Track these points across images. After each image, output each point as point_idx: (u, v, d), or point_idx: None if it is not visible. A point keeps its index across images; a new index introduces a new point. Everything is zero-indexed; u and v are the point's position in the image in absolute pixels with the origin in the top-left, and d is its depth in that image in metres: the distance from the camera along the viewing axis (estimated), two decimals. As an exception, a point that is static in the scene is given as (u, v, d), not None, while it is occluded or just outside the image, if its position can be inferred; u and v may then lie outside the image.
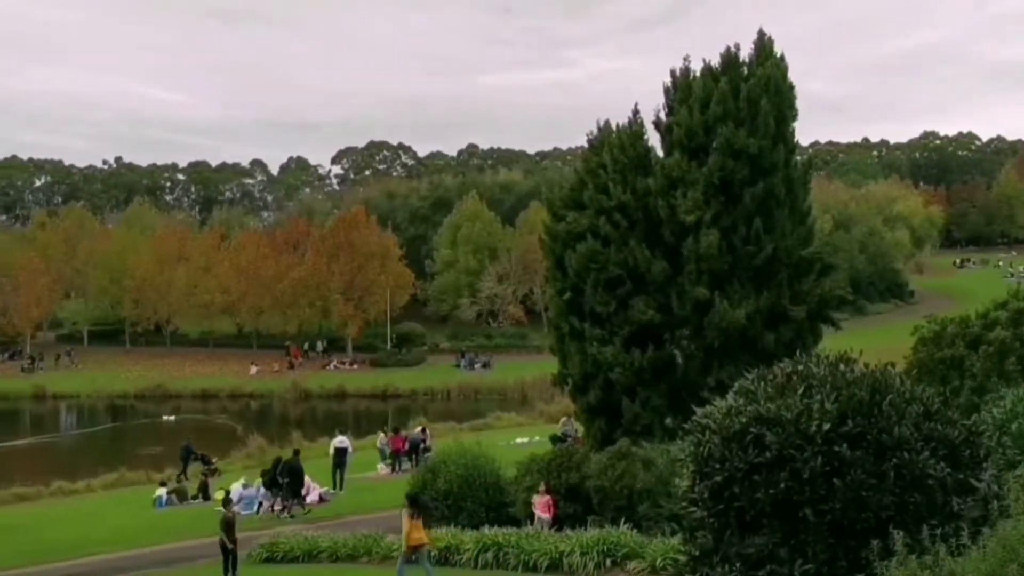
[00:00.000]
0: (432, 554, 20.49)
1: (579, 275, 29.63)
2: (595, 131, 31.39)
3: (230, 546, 22.57)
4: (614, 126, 31.06)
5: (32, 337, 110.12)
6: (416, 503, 20.97)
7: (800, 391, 12.39)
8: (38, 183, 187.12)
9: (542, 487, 23.53)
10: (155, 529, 32.00)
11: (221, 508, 25.49)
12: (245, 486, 35.41)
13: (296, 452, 36.23)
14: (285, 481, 32.43)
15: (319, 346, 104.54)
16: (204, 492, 38.43)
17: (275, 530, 26.62)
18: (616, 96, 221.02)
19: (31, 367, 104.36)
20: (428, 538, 20.21)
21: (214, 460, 47.30)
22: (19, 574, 26.93)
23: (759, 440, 12.02)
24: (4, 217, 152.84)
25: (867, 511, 11.65)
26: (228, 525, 22.87)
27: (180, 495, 38.67)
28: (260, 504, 33.93)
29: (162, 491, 38.50)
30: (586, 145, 32.01)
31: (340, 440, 38.47)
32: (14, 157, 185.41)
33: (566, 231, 30.28)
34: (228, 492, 35.30)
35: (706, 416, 12.77)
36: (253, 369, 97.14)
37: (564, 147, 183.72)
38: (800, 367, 13.00)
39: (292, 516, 31.49)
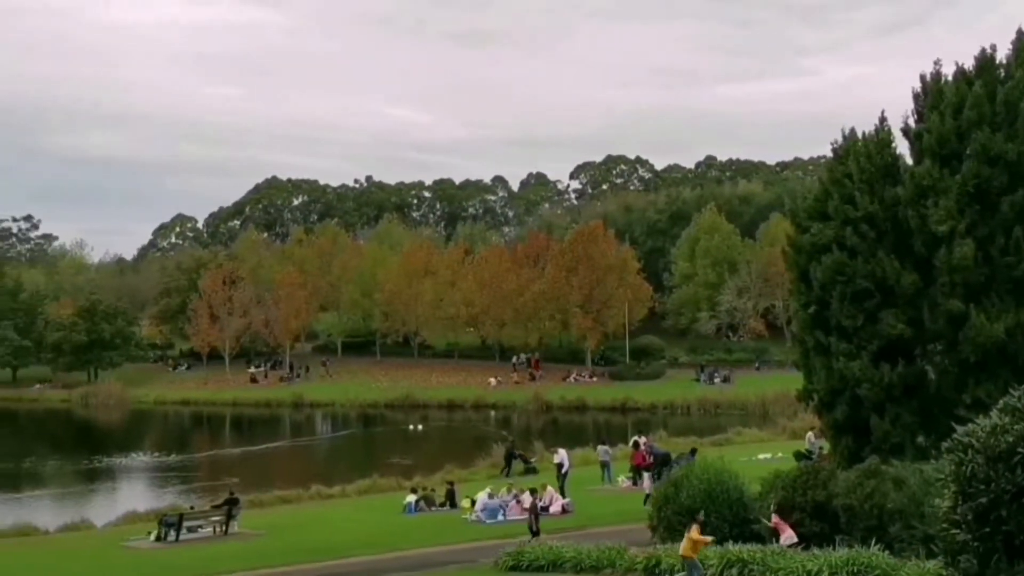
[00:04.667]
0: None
1: (824, 288, 28.91)
2: (839, 140, 30.54)
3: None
4: (860, 134, 30.17)
5: (291, 348, 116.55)
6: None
7: (1072, 410, 11.72)
8: (296, 202, 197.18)
9: (772, 507, 23.10)
10: (405, 534, 33.30)
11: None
12: (490, 495, 36.39)
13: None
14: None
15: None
16: (451, 499, 39.68)
17: (520, 539, 27.25)
18: (859, 103, 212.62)
19: (290, 376, 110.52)
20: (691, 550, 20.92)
21: (532, 459, 49.51)
22: (281, 572, 28.70)
23: (1027, 461, 11.44)
24: (266, 235, 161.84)
25: None
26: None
27: (428, 502, 40.02)
28: (505, 511, 35.05)
29: (411, 497, 39.91)
30: (830, 154, 31.20)
31: (560, 455, 39.41)
32: (274, 178, 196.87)
33: (811, 243, 29.60)
34: (473, 501, 36.57)
35: (968, 435, 12.24)
36: (492, 381, 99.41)
37: (805, 157, 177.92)
38: (1072, 385, 12.29)
39: None
